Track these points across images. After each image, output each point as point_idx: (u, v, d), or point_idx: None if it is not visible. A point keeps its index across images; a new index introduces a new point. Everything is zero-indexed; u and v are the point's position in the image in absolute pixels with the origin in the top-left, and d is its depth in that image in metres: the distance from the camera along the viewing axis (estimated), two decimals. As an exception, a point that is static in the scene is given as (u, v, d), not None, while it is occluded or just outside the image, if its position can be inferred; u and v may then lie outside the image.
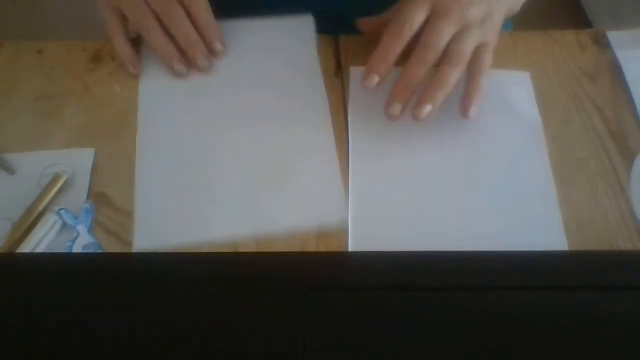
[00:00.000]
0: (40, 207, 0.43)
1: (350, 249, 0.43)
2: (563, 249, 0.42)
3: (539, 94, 0.50)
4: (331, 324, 0.35)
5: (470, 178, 0.46)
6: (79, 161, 0.46)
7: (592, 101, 0.50)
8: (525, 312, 0.35)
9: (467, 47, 0.46)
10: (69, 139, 0.48)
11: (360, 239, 0.43)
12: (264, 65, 0.52)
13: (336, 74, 0.52)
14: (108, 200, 0.44)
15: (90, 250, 0.41)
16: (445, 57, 0.46)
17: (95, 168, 0.46)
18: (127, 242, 0.42)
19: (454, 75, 0.45)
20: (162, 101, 0.50)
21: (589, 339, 0.34)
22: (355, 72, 0.52)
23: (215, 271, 0.38)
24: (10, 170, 0.46)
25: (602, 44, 0.54)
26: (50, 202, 0.44)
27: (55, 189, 0.44)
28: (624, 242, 0.42)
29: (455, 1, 0.46)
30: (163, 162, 0.46)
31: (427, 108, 0.45)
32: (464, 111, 0.46)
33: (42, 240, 0.42)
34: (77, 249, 0.41)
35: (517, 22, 0.70)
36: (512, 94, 0.50)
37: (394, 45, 0.46)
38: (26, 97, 0.50)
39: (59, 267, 0.39)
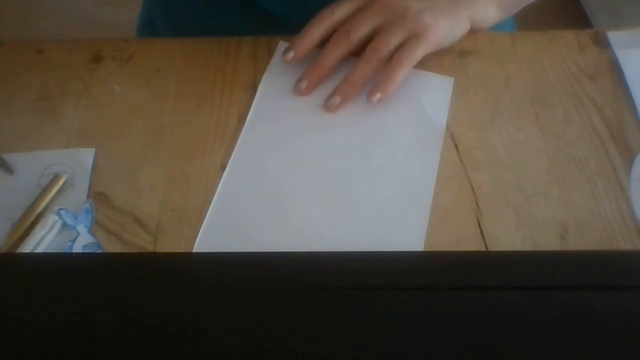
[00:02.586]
0: (40, 207, 0.43)
1: (197, 244, 0.42)
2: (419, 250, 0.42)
3: (539, 93, 0.50)
4: (331, 324, 0.35)
5: (357, 172, 0.46)
6: (79, 161, 0.46)
7: (592, 101, 0.50)
8: (525, 312, 0.35)
9: (388, 42, 0.48)
10: (69, 139, 0.48)
11: (214, 231, 0.42)
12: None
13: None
14: (108, 200, 0.44)
15: (90, 250, 0.41)
16: (362, 53, 0.48)
17: (95, 168, 0.46)
18: (127, 242, 0.42)
19: (366, 71, 0.48)
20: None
21: (588, 339, 0.34)
22: (282, 46, 0.53)
23: (216, 271, 0.38)
24: (10, 170, 0.46)
25: (602, 44, 0.54)
26: (50, 202, 0.44)
27: (55, 189, 0.44)
28: (624, 242, 0.42)
29: None
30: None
31: (337, 101, 0.48)
32: (368, 95, 0.48)
33: (42, 240, 0.42)
34: (77, 249, 0.41)
35: (517, 22, 0.70)
36: (427, 97, 0.50)
37: (316, 32, 0.50)
38: (26, 97, 0.50)
39: (59, 267, 0.39)
